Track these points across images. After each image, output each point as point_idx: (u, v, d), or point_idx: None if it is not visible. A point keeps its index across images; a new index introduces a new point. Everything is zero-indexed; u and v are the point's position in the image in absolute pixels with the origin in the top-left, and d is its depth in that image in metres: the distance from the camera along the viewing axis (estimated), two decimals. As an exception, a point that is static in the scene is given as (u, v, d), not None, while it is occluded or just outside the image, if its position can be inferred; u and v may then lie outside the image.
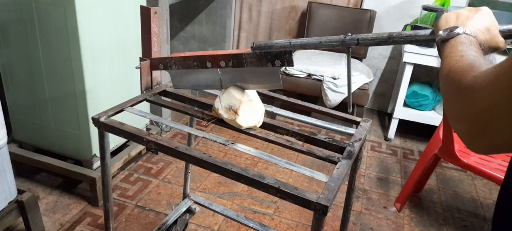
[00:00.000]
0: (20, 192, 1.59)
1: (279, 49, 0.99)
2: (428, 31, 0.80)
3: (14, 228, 1.71)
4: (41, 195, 1.93)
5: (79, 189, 2.00)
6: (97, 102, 1.78)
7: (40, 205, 1.71)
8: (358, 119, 1.23)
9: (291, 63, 1.00)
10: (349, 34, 0.91)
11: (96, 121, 1.13)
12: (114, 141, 1.95)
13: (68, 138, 1.86)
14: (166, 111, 2.44)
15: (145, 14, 1.23)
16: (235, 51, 1.10)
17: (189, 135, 1.64)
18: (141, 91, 1.32)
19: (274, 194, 0.91)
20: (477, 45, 0.62)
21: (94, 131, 1.81)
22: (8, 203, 1.53)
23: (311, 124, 1.22)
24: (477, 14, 0.66)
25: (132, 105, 1.25)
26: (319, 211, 0.84)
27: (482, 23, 0.65)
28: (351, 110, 1.09)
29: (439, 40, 0.66)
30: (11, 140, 1.96)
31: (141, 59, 1.28)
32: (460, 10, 0.69)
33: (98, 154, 1.87)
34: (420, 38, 0.82)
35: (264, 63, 1.03)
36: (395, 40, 0.86)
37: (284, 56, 1.00)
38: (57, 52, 1.67)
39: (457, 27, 0.64)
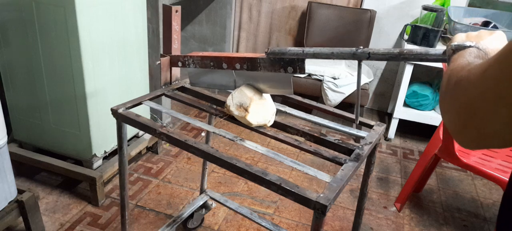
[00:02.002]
0: (20, 191, 1.59)
1: (292, 56, 1.03)
2: (440, 51, 0.80)
3: (14, 228, 1.71)
4: (41, 195, 1.93)
5: (79, 189, 2.01)
6: (97, 102, 1.78)
7: (40, 204, 1.71)
8: (372, 122, 1.22)
9: (303, 71, 1.04)
10: (361, 47, 0.93)
11: (114, 112, 1.20)
12: (114, 141, 1.95)
13: (68, 138, 1.86)
14: (167, 107, 2.44)
15: (167, 12, 1.29)
16: (250, 54, 1.14)
17: (208, 132, 1.69)
18: (160, 86, 1.37)
19: (275, 190, 0.92)
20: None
21: (94, 131, 1.81)
22: (8, 203, 1.53)
23: (322, 125, 1.23)
24: (491, 35, 0.68)
25: (150, 99, 1.30)
26: (318, 210, 0.85)
27: (494, 44, 0.66)
28: (358, 122, 1.09)
29: (449, 51, 0.68)
30: (11, 140, 1.96)
31: (161, 56, 1.34)
32: (473, 32, 0.72)
33: (98, 154, 1.88)
34: (431, 57, 0.82)
35: (277, 68, 1.08)
36: (406, 57, 0.87)
37: (297, 63, 1.04)
38: (57, 52, 1.68)
39: (469, 42, 0.67)
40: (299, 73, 1.05)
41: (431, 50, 0.82)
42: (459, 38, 0.70)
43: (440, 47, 0.82)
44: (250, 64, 1.12)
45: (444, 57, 0.78)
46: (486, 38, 0.67)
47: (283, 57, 1.04)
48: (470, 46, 0.65)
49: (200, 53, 1.27)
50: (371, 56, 0.91)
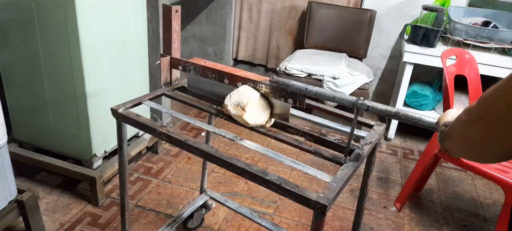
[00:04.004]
0: (20, 191, 1.59)
1: (295, 90, 1.06)
2: (433, 121, 0.86)
3: (14, 227, 1.71)
4: (41, 194, 1.93)
5: (79, 189, 2.01)
6: (97, 102, 1.78)
7: (40, 204, 1.71)
8: (372, 122, 1.22)
9: (302, 106, 1.07)
10: (361, 98, 0.98)
11: (114, 112, 1.20)
12: (114, 141, 1.95)
13: (68, 137, 1.86)
14: (167, 106, 2.44)
15: (167, 12, 1.30)
16: (254, 76, 1.17)
17: (208, 132, 1.69)
18: (160, 86, 1.37)
19: (275, 190, 0.92)
20: None
21: (94, 131, 1.81)
22: (8, 203, 1.53)
23: (323, 125, 1.23)
24: None
25: (150, 99, 1.30)
26: (318, 210, 0.84)
27: None
28: (348, 157, 1.08)
29: (441, 127, 0.73)
30: (11, 139, 1.96)
31: (161, 55, 1.34)
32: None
33: (98, 154, 1.88)
34: (423, 125, 0.89)
35: (278, 96, 1.11)
36: (401, 118, 0.93)
37: (298, 97, 1.06)
38: (57, 52, 1.67)
39: None
40: (298, 106, 1.08)
41: (425, 118, 0.89)
42: (450, 116, 0.73)
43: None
44: (253, 85, 1.15)
45: (435, 127, 0.84)
46: None
47: (286, 89, 1.07)
48: None
49: (202, 62, 1.27)
50: (369, 109, 0.96)
